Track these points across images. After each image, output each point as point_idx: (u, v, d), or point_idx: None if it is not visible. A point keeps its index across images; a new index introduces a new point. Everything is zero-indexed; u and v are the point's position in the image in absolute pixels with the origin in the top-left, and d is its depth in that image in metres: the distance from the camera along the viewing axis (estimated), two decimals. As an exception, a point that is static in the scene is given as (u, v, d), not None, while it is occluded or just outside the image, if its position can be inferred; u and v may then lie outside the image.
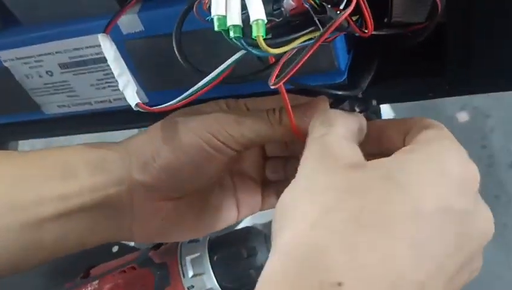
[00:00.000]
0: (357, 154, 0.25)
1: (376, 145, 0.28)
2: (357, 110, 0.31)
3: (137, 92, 0.30)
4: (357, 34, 0.27)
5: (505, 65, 0.32)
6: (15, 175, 0.32)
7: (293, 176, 0.25)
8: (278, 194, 0.25)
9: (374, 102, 0.31)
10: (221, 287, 0.34)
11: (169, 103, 0.28)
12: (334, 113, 0.27)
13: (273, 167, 0.36)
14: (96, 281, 0.35)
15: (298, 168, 0.25)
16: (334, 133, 0.25)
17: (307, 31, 0.25)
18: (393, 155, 0.24)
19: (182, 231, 0.35)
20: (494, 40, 0.31)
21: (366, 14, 0.25)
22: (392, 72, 0.34)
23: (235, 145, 0.31)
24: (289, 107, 0.28)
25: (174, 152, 0.31)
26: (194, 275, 0.34)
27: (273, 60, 0.27)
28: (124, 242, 0.48)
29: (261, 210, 0.37)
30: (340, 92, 0.31)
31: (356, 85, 0.31)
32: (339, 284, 0.19)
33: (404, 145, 0.26)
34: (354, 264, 0.20)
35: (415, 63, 0.34)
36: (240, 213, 0.36)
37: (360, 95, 0.31)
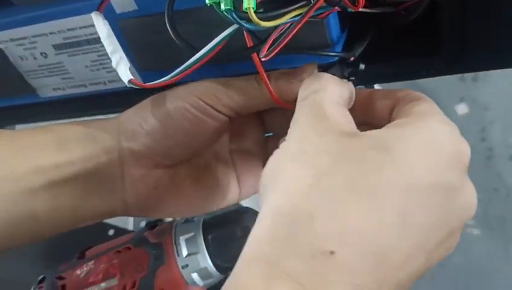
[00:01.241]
0: (350, 121, 0.25)
1: (362, 114, 0.28)
2: (346, 74, 0.31)
3: (130, 70, 0.30)
4: (349, 10, 0.27)
5: (500, 42, 0.32)
6: (8, 148, 0.32)
7: None
8: None
9: (362, 66, 0.31)
10: (215, 266, 0.35)
11: (162, 79, 0.28)
12: (326, 77, 0.27)
13: (275, 144, 0.36)
14: (92, 262, 0.36)
15: (288, 131, 0.25)
16: (327, 96, 0.25)
17: (298, 5, 0.25)
18: (386, 127, 0.24)
19: (178, 204, 0.34)
20: (489, 17, 0.31)
21: (357, -13, 0.25)
22: (386, 51, 0.34)
23: (223, 108, 0.31)
24: (262, 70, 0.28)
25: (161, 117, 0.31)
26: (188, 255, 0.34)
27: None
28: (120, 226, 0.48)
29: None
30: (332, 54, 0.31)
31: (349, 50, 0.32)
32: (331, 252, 0.20)
33: (390, 117, 0.26)
34: (345, 232, 0.20)
35: (410, 41, 0.34)
36: (242, 191, 0.35)
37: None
